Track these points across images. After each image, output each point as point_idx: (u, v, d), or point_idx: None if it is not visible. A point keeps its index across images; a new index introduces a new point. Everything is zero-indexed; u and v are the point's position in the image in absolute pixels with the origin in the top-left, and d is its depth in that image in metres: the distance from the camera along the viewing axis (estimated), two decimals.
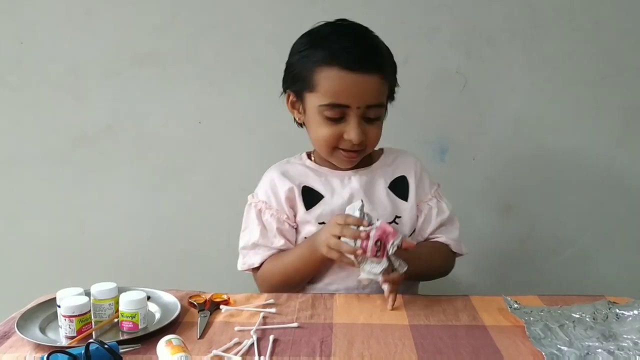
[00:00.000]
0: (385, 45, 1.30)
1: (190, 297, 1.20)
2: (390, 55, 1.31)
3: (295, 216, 1.35)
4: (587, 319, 1.07)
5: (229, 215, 1.71)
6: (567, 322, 1.06)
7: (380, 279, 1.15)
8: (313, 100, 1.28)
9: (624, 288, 1.76)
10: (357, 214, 1.16)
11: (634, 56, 1.69)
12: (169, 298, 1.18)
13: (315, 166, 1.38)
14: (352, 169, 1.36)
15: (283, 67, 1.63)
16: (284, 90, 1.37)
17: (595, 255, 1.79)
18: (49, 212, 1.78)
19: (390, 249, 1.13)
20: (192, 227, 1.77)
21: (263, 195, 1.37)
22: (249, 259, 1.35)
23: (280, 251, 1.33)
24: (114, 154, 1.74)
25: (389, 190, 1.36)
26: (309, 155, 1.42)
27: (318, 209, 1.33)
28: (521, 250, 1.79)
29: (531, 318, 1.07)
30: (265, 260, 1.33)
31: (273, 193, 1.35)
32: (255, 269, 1.35)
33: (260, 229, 1.33)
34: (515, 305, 1.12)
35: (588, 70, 1.69)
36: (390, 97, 1.35)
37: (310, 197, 1.34)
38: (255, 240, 1.33)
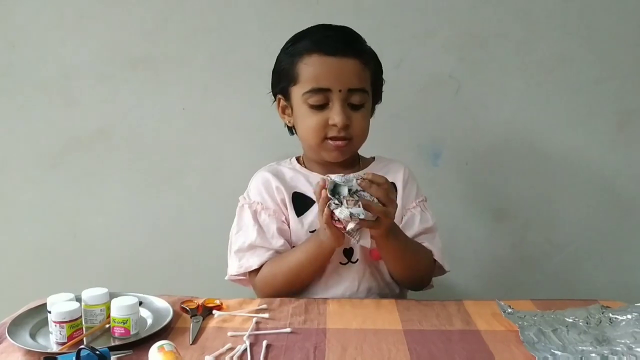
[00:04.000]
0: (369, 47, 1.33)
1: (182, 303, 1.19)
2: (373, 53, 1.34)
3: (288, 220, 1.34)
4: (581, 324, 1.08)
5: (222, 219, 1.69)
6: (561, 326, 1.06)
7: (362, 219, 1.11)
8: (297, 92, 1.30)
9: (618, 292, 1.74)
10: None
11: (628, 60, 1.69)
12: (161, 303, 1.17)
13: (305, 171, 1.38)
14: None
15: None
16: (274, 97, 1.39)
17: (589, 260, 1.79)
18: (40, 216, 1.76)
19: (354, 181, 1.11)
20: (185, 232, 1.76)
21: (257, 195, 1.35)
22: (245, 262, 1.31)
23: (279, 253, 1.30)
24: (107, 159, 1.73)
25: None
26: (298, 160, 1.42)
27: (309, 215, 1.32)
28: (514, 255, 1.79)
29: (525, 323, 1.07)
30: (265, 262, 1.30)
31: (268, 193, 1.34)
32: (253, 273, 1.31)
33: (257, 229, 1.31)
34: (509, 310, 1.12)
35: (581, 75, 1.69)
36: (376, 91, 1.35)
37: (301, 203, 1.33)
38: (252, 242, 1.30)
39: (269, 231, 1.31)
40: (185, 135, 1.72)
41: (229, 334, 1.06)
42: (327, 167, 1.36)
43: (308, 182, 1.35)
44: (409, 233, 1.33)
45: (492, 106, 1.72)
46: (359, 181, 1.12)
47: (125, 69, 1.69)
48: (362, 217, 1.11)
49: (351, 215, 1.11)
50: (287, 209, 1.33)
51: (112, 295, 1.12)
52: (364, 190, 1.12)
